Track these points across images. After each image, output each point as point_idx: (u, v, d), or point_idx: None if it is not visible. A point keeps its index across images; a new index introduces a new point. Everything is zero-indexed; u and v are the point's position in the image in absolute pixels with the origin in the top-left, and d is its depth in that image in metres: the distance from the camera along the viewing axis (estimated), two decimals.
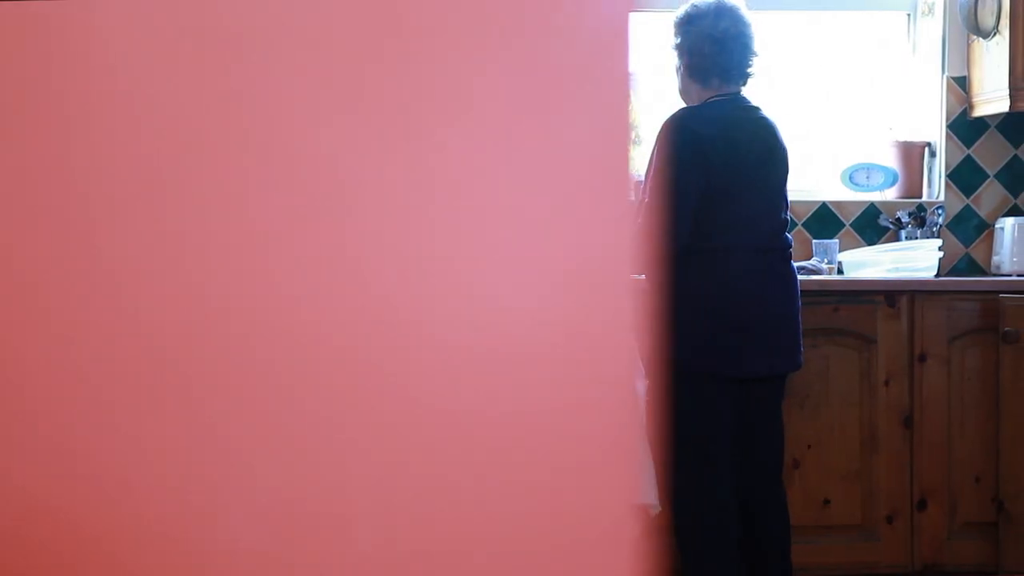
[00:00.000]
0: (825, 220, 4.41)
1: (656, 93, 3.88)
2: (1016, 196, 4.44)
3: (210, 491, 0.99)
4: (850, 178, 4.47)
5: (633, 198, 0.85)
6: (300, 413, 0.97)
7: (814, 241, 4.27)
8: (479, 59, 0.90)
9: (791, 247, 3.32)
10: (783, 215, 3.30)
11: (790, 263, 3.31)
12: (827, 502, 3.77)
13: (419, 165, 0.91)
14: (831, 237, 4.36)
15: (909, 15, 4.58)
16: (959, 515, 3.79)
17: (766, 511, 3.34)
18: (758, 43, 3.31)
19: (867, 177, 4.46)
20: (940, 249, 4.21)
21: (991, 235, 4.41)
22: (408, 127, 0.91)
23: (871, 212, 4.42)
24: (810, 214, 4.40)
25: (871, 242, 4.39)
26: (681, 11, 3.33)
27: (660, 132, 3.23)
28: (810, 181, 4.56)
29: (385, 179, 0.92)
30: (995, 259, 4.34)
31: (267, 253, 0.97)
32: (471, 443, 0.90)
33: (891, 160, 4.48)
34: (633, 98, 0.83)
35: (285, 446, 0.96)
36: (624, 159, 0.82)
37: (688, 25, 3.29)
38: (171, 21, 0.99)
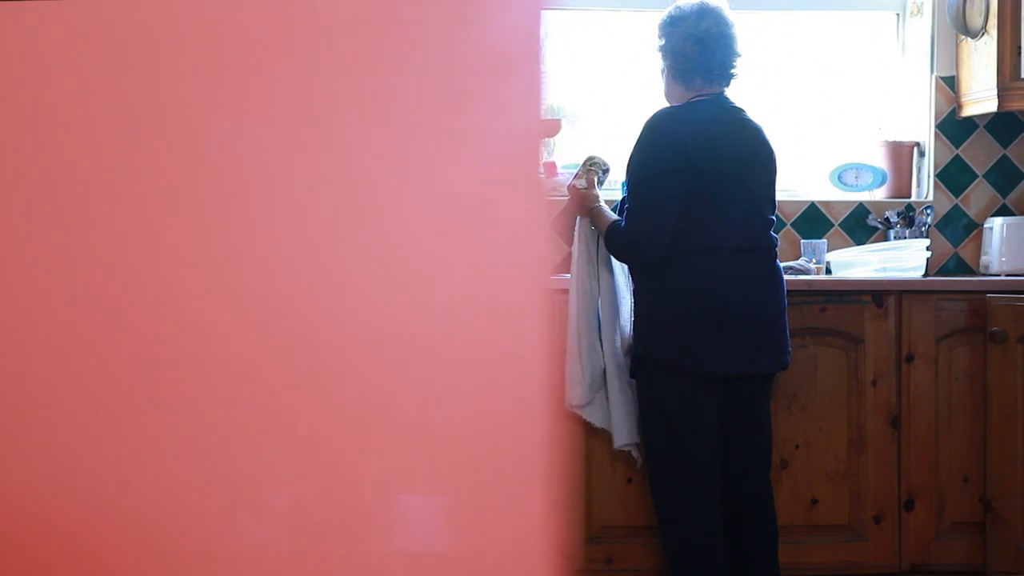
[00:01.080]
0: (814, 220, 4.41)
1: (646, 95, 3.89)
2: (1005, 196, 4.45)
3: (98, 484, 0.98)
4: (839, 178, 4.47)
5: (546, 197, 0.85)
6: (205, 410, 0.97)
7: (802, 241, 4.28)
8: (388, 61, 0.90)
9: (777, 246, 3.32)
10: (769, 215, 3.30)
11: (776, 263, 3.31)
12: (815, 502, 3.77)
13: (327, 166, 0.91)
14: (820, 237, 4.36)
15: (898, 15, 4.58)
16: (947, 515, 3.79)
17: (753, 511, 3.34)
18: (741, 44, 3.32)
19: (856, 177, 4.47)
20: (928, 249, 4.21)
21: (980, 235, 4.41)
22: (318, 130, 0.91)
23: (860, 212, 4.42)
24: (799, 214, 4.40)
25: (860, 242, 4.39)
26: (665, 13, 3.36)
27: (641, 133, 3.24)
28: (799, 181, 4.56)
29: (291, 181, 0.92)
30: (984, 259, 4.34)
31: (181, 258, 0.97)
32: (383, 442, 0.90)
33: (880, 160, 4.48)
34: (546, 97, 0.83)
35: (190, 445, 0.96)
36: (535, 161, 0.81)
37: (671, 27, 3.32)
38: (69, 29, 0.99)
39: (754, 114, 3.35)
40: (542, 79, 0.85)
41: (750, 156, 3.28)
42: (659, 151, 3.19)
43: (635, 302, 3.34)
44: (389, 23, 0.88)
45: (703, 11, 3.29)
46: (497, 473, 0.85)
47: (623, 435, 3.49)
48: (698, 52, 3.27)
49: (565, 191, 3.56)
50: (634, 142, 3.27)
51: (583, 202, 3.48)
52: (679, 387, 3.21)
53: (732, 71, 3.31)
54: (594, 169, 3.53)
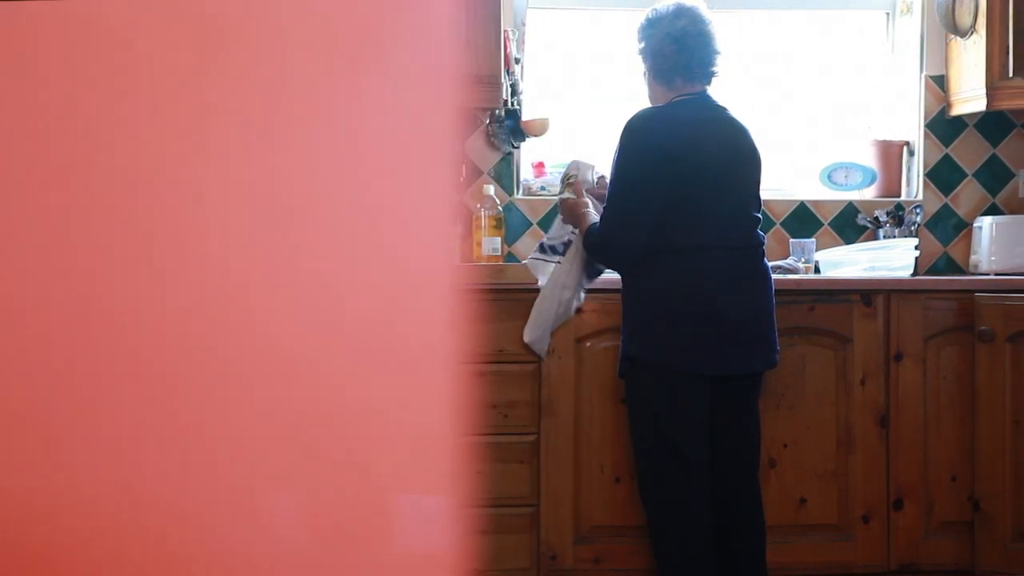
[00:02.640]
0: (803, 219, 4.41)
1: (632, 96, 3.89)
2: (994, 195, 4.45)
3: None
4: (829, 177, 4.47)
5: (457, 191, 0.85)
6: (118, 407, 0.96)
7: (791, 240, 4.27)
8: (291, 54, 0.90)
9: (764, 245, 3.32)
10: (755, 213, 3.30)
11: (763, 261, 3.31)
12: (803, 501, 3.76)
13: (230, 162, 0.90)
14: (809, 236, 4.35)
15: (888, 14, 4.58)
16: (935, 514, 3.79)
17: (741, 511, 3.34)
18: (721, 42, 3.32)
19: (846, 176, 4.46)
20: (916, 248, 4.21)
21: (969, 234, 4.41)
22: (221, 123, 0.90)
23: (849, 211, 4.42)
24: (788, 213, 4.40)
25: (849, 241, 4.39)
26: (642, 16, 3.37)
27: (621, 135, 3.24)
28: (789, 180, 4.56)
29: (197, 178, 0.91)
30: (973, 258, 4.34)
31: (117, 252, 0.96)
32: (290, 437, 0.89)
33: (870, 159, 4.48)
34: (460, 99, 0.82)
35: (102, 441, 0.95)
36: (448, 164, 0.81)
37: (649, 29, 3.34)
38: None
39: (737, 112, 3.35)
40: (455, 73, 0.84)
41: (734, 154, 3.28)
42: (637, 154, 3.19)
43: (624, 302, 3.33)
44: (294, 14, 0.88)
45: (679, 11, 3.30)
46: (405, 466, 0.84)
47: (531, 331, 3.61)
48: (676, 52, 3.27)
49: (559, 205, 3.57)
50: (616, 142, 3.27)
51: (572, 211, 3.48)
52: (668, 386, 3.20)
53: (713, 69, 3.31)
54: (575, 178, 3.53)
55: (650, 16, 3.35)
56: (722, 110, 3.31)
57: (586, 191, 3.51)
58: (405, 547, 0.85)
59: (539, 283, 3.57)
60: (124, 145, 1.01)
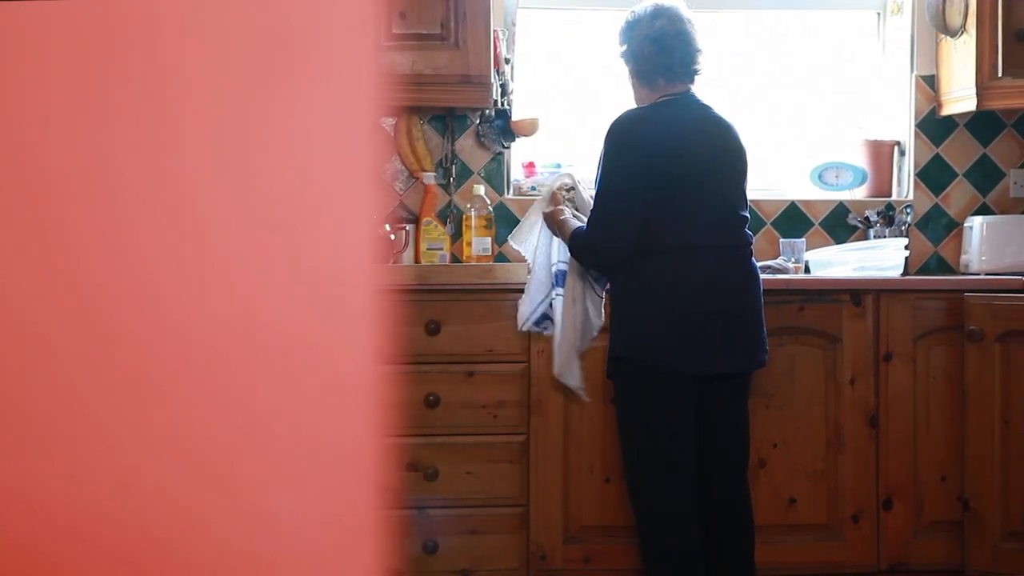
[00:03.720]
0: (794, 219, 4.41)
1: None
2: (985, 195, 4.45)
3: None
4: (819, 177, 4.47)
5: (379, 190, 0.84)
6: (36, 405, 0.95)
7: (781, 240, 4.27)
8: (203, 48, 0.89)
9: (752, 244, 3.32)
10: (742, 212, 3.30)
11: (751, 261, 3.31)
12: (793, 501, 3.76)
13: (140, 160, 0.90)
14: (800, 236, 4.35)
15: (879, 14, 4.58)
16: (925, 514, 3.79)
17: (730, 511, 3.34)
18: (701, 40, 3.32)
19: (836, 176, 4.46)
20: (906, 248, 4.21)
21: (960, 234, 4.41)
22: (146, 127, 0.90)
23: (840, 211, 4.42)
24: (779, 213, 4.40)
25: (840, 241, 4.39)
26: (623, 20, 3.38)
27: (605, 137, 3.25)
28: (779, 180, 4.56)
29: (123, 178, 0.91)
30: (964, 258, 4.34)
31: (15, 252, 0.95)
32: (205, 442, 0.89)
33: (860, 159, 4.48)
34: (381, 93, 0.82)
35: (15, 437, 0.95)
36: (367, 160, 0.80)
37: (629, 31, 3.35)
38: None
39: (722, 110, 3.35)
40: (375, 75, 0.83)
41: (720, 154, 3.28)
42: (621, 156, 3.19)
43: (611, 302, 3.33)
44: (208, 22, 0.87)
45: (657, 11, 3.30)
46: (314, 468, 0.84)
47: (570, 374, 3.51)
48: (656, 52, 3.28)
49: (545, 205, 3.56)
50: (601, 146, 3.27)
51: (552, 221, 3.48)
52: (656, 386, 3.20)
53: (695, 67, 3.31)
54: (559, 192, 3.54)
55: (629, 19, 3.36)
56: (707, 109, 3.31)
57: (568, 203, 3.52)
58: (316, 549, 0.85)
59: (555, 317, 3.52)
60: (33, 152, 1.00)
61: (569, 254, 3.42)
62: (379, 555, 0.84)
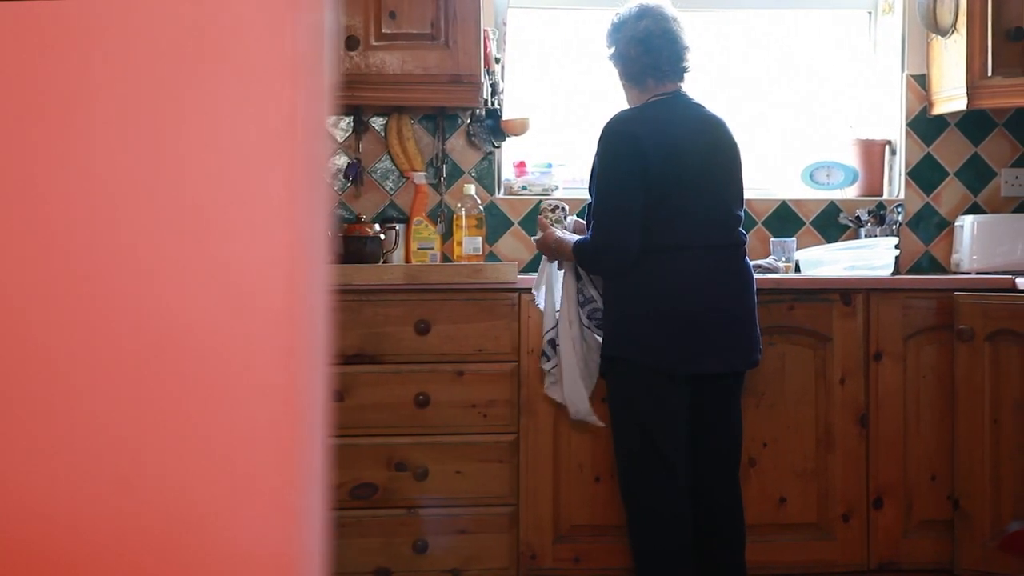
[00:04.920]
0: (785, 218, 4.41)
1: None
2: (976, 194, 4.45)
3: None
4: (811, 176, 4.47)
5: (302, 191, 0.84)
6: None
7: (771, 239, 4.27)
8: (138, 53, 0.89)
9: (745, 243, 3.31)
10: (736, 211, 3.30)
11: (744, 259, 3.31)
12: (783, 500, 3.76)
13: (56, 160, 0.89)
14: (791, 235, 4.35)
15: (870, 13, 4.58)
16: (915, 513, 3.79)
17: (721, 510, 3.34)
18: (688, 37, 3.32)
19: (827, 175, 4.46)
20: (896, 247, 4.21)
21: (951, 233, 4.41)
22: (58, 128, 0.89)
23: (831, 211, 4.42)
24: (770, 212, 4.40)
25: (831, 240, 4.39)
26: (608, 22, 3.38)
27: (600, 139, 3.25)
28: (770, 179, 4.56)
29: (34, 179, 0.90)
30: (955, 257, 4.34)
31: None
32: (118, 443, 0.88)
33: (851, 158, 4.48)
34: (305, 89, 0.81)
35: None
36: (289, 159, 0.80)
37: (615, 33, 3.35)
38: None
39: (714, 107, 3.35)
40: (299, 68, 0.83)
41: (713, 153, 3.28)
42: (618, 156, 3.19)
43: (604, 302, 3.33)
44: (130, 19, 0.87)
45: (642, 12, 3.31)
46: (234, 472, 0.84)
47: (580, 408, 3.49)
48: (643, 53, 3.28)
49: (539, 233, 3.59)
50: (595, 147, 3.27)
51: (545, 245, 3.48)
52: (649, 386, 3.20)
53: (683, 65, 3.31)
54: (544, 216, 3.57)
55: (614, 20, 3.37)
56: (699, 107, 3.31)
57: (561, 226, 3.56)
58: (230, 544, 0.84)
59: (564, 382, 3.51)
60: None
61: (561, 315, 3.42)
62: (299, 551, 0.84)
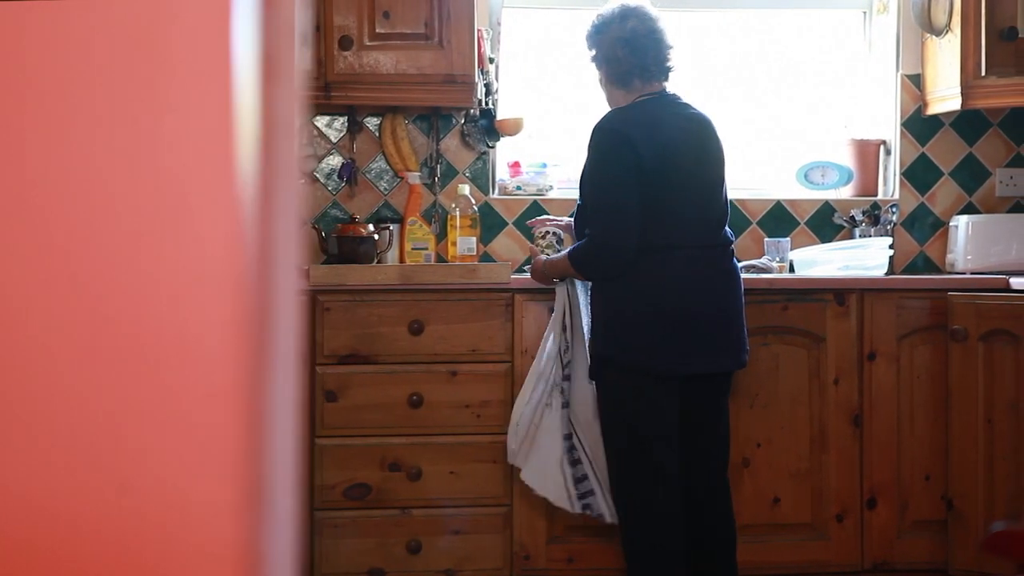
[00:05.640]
0: (780, 219, 4.41)
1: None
2: (971, 194, 4.45)
3: None
4: (805, 176, 4.47)
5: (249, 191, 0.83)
6: None
7: (766, 239, 4.27)
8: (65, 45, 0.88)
9: (732, 243, 3.31)
10: (722, 211, 3.29)
11: (733, 260, 3.30)
12: (777, 501, 3.76)
13: (22, 157, 0.89)
14: (786, 235, 4.35)
15: (865, 13, 4.58)
16: (909, 513, 3.79)
17: (712, 510, 3.33)
18: (671, 37, 3.32)
19: (822, 175, 4.46)
20: (890, 247, 4.20)
21: (946, 233, 4.41)
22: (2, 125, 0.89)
23: (826, 210, 4.42)
24: (765, 212, 4.40)
25: (826, 240, 4.39)
26: (589, 24, 3.37)
27: (591, 139, 3.23)
28: (765, 179, 4.55)
29: None
30: (949, 257, 4.34)
31: None
32: (67, 440, 0.88)
33: (846, 158, 4.48)
34: (239, 88, 0.81)
35: None
36: (229, 157, 0.80)
37: (598, 35, 3.33)
38: None
39: (701, 107, 3.35)
40: (232, 66, 0.82)
41: (701, 153, 3.27)
42: (612, 154, 3.17)
43: (593, 304, 3.32)
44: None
45: (625, 12, 3.30)
46: (184, 469, 0.83)
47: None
48: (629, 53, 3.27)
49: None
50: (587, 148, 3.26)
51: (538, 271, 3.49)
52: (640, 388, 3.19)
53: (668, 65, 3.31)
54: (536, 244, 3.59)
55: (595, 23, 3.35)
56: (687, 107, 3.30)
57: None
58: (177, 544, 0.84)
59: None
60: None
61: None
62: (245, 552, 0.83)
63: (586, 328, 3.39)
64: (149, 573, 0.84)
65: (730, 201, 3.37)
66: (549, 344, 3.46)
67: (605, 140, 3.20)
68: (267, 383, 0.84)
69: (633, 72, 3.28)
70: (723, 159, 3.34)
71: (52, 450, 0.87)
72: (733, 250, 3.31)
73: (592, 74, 3.43)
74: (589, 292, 3.37)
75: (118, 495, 0.85)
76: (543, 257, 3.48)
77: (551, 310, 3.52)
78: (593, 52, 3.35)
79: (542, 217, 3.83)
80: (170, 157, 0.84)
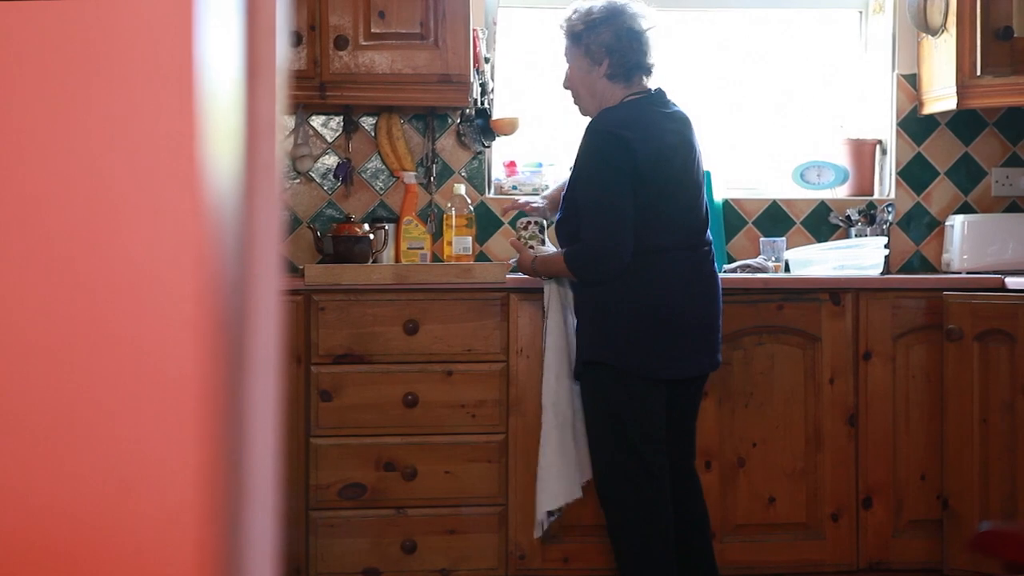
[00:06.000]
0: (776, 218, 4.41)
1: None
2: (967, 194, 4.45)
3: None
4: (801, 176, 4.47)
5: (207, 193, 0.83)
6: None
7: (761, 239, 4.27)
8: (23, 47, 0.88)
9: (711, 245, 3.31)
10: (705, 213, 3.30)
11: (714, 262, 3.31)
12: (772, 500, 3.76)
13: None
14: (781, 235, 4.35)
15: (860, 13, 4.58)
16: (904, 513, 3.79)
17: (687, 501, 3.34)
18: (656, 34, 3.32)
19: (818, 175, 4.46)
20: (886, 247, 4.20)
21: (942, 232, 4.41)
22: None
23: (822, 210, 4.42)
24: (760, 212, 4.40)
25: (821, 240, 4.39)
26: (582, 13, 3.28)
27: (586, 142, 3.20)
28: (761, 179, 4.55)
29: None
30: (945, 256, 4.34)
31: None
32: (25, 444, 0.88)
33: (842, 158, 4.48)
34: (203, 89, 0.80)
35: None
36: (194, 154, 0.79)
37: (604, 25, 3.23)
38: None
39: (682, 106, 3.34)
40: (194, 68, 0.82)
41: (689, 154, 3.27)
42: (608, 158, 3.14)
43: (579, 307, 3.31)
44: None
45: (627, 5, 3.25)
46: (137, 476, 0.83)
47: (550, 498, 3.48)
48: (638, 46, 3.23)
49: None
50: (581, 150, 3.23)
51: (525, 269, 3.48)
52: (629, 390, 3.19)
53: (655, 62, 3.31)
54: (519, 239, 3.57)
55: (599, 13, 3.24)
56: (671, 105, 3.30)
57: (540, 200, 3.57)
58: (137, 546, 0.84)
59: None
60: None
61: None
62: (206, 554, 0.83)
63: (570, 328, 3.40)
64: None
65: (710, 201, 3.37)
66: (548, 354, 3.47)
67: (602, 143, 3.17)
68: (238, 384, 0.83)
69: (640, 67, 3.25)
70: (702, 159, 3.34)
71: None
72: (713, 252, 3.31)
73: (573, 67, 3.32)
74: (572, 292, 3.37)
75: (73, 496, 0.84)
76: (531, 252, 3.46)
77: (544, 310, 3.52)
78: (598, 39, 3.24)
79: (519, 200, 3.73)
80: (135, 156, 0.83)
